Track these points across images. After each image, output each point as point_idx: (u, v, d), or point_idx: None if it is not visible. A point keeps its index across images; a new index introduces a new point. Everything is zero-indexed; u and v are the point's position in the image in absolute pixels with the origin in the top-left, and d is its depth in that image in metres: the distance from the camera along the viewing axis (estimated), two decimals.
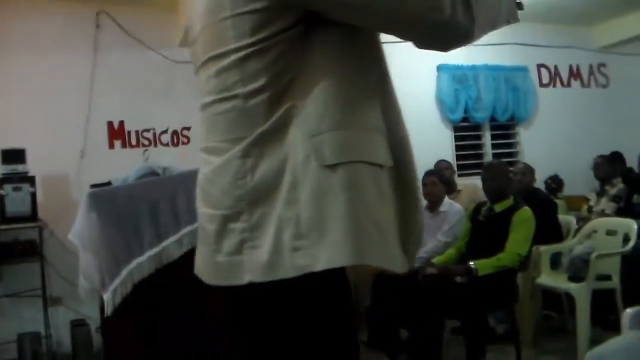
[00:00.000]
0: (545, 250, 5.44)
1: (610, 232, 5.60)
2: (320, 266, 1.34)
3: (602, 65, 9.03)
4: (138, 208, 3.09)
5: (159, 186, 3.13)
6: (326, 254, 1.34)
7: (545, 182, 7.58)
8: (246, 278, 1.40)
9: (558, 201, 6.73)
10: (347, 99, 1.43)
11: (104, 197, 3.19)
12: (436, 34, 1.41)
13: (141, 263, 3.04)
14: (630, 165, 7.15)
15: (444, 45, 1.45)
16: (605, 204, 6.52)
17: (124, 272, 3.03)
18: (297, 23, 1.38)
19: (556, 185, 7.48)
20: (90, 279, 3.15)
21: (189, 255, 1.71)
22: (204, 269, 1.56)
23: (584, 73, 8.89)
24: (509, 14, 1.56)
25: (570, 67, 8.74)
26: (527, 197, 5.65)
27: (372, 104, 1.49)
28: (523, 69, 8.16)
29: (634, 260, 5.24)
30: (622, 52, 9.02)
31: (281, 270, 1.36)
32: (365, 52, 1.52)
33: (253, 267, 1.39)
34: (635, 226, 5.36)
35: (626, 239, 5.39)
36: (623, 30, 8.60)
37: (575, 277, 5.22)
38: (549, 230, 5.56)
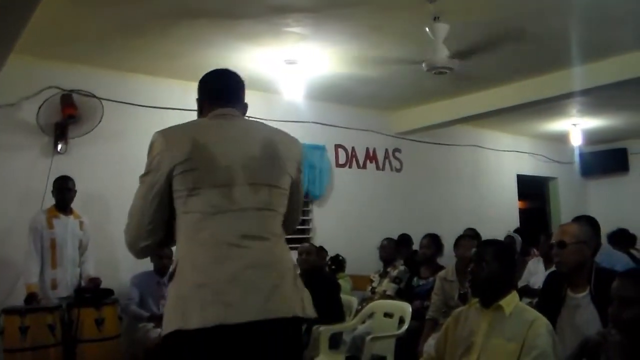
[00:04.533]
0: (325, 330, 5.50)
1: (388, 314, 5.79)
2: None
3: (397, 150, 9.53)
4: None
5: None
6: None
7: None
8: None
9: (342, 280, 6.88)
10: None
11: None
12: None
13: None
14: (416, 248, 7.46)
15: None
16: (386, 285, 6.74)
17: None
18: None
19: (335, 266, 7.54)
20: None
21: None
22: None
23: (380, 156, 9.31)
24: None
25: (367, 150, 9.11)
26: (310, 276, 5.72)
27: None
28: (321, 148, 8.37)
29: (407, 342, 5.44)
30: (416, 139, 9.58)
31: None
32: None
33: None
34: (410, 309, 5.59)
35: (402, 321, 5.59)
36: (417, 119, 9.16)
37: (354, 357, 5.31)
38: (330, 309, 5.65)
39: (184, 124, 2.54)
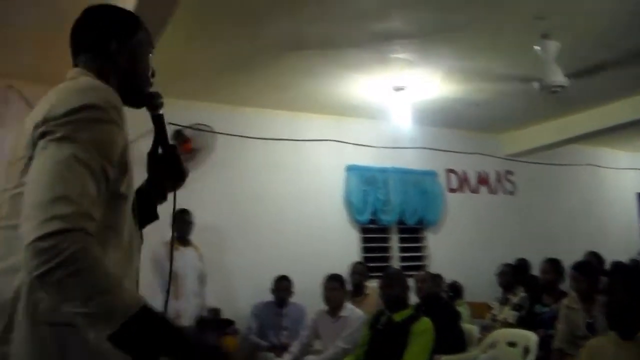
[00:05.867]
0: None
1: (511, 344, 5.58)
2: None
3: (509, 172, 9.30)
4: None
5: None
6: None
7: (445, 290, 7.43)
8: None
9: (461, 308, 6.70)
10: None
11: None
12: None
13: None
14: (535, 273, 7.21)
15: None
16: (507, 312, 6.51)
17: None
18: None
19: (453, 293, 7.38)
20: None
21: None
22: None
23: (492, 179, 9.12)
24: None
25: (479, 173, 8.95)
26: (428, 304, 5.60)
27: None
28: (432, 173, 8.27)
29: None
30: (528, 160, 9.32)
31: None
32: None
33: None
34: (535, 338, 5.36)
35: (527, 351, 5.38)
36: (529, 140, 8.92)
37: None
38: (451, 338, 5.50)
39: None
